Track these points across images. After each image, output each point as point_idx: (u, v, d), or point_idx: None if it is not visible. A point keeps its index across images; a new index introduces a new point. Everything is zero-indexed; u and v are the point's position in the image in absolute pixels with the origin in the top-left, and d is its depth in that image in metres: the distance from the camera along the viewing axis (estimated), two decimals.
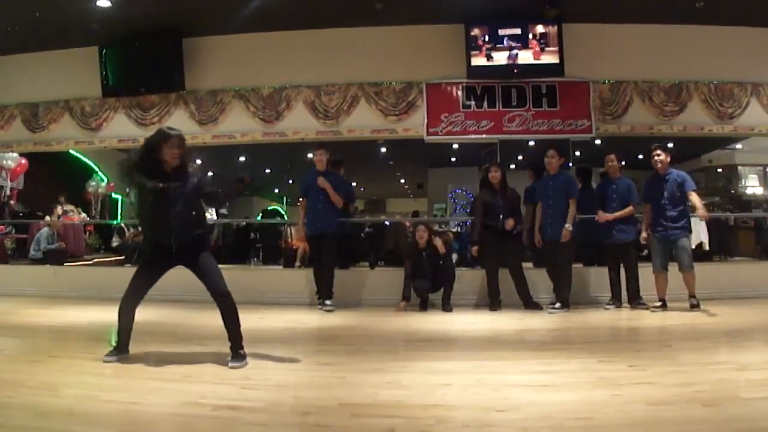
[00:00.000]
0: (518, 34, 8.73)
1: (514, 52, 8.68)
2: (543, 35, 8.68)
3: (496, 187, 7.64)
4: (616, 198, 7.51)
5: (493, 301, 7.52)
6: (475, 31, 8.75)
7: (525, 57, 8.71)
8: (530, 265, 8.50)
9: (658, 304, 7.11)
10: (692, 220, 7.29)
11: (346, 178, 8.63)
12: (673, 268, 7.09)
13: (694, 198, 7.03)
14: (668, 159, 7.17)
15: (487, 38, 8.73)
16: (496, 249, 7.61)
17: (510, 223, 7.43)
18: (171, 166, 4.61)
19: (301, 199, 8.19)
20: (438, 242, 7.50)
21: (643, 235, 7.34)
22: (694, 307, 6.91)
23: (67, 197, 12.92)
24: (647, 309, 7.14)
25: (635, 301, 7.37)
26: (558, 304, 7.23)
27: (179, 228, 4.59)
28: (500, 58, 8.74)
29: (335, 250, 7.82)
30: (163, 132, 4.64)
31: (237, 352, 4.56)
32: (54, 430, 3.09)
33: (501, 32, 8.75)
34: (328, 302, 7.57)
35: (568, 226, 7.24)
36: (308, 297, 8.08)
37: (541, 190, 7.73)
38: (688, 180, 7.11)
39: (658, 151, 7.16)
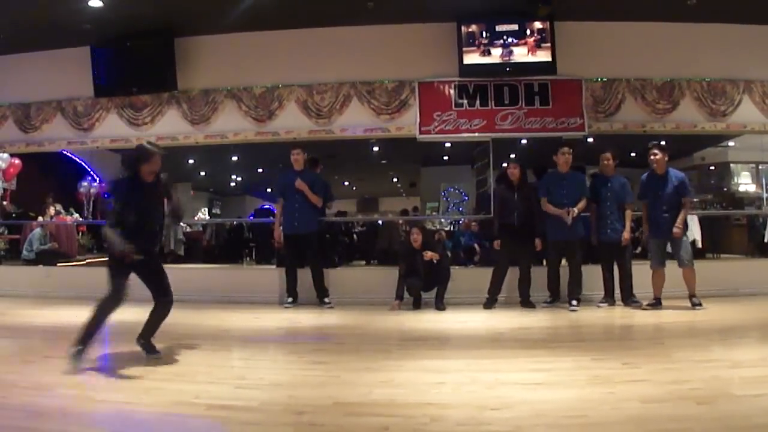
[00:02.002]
0: (515, 30, 8.71)
1: (510, 48, 8.67)
2: (540, 31, 8.66)
3: (514, 183, 7.63)
4: (610, 196, 7.49)
5: (489, 299, 7.53)
6: (473, 27, 8.71)
7: (520, 53, 8.68)
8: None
9: (653, 301, 7.13)
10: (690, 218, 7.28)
11: (338, 177, 8.67)
12: (671, 265, 7.12)
13: (682, 215, 7.01)
14: (666, 158, 7.16)
15: (485, 34, 8.72)
16: (511, 247, 7.59)
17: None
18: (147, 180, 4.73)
19: (278, 200, 8.25)
20: (431, 255, 7.40)
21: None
22: (696, 306, 6.91)
23: (54, 197, 12.83)
24: (640, 307, 7.15)
25: (628, 299, 7.38)
26: (575, 302, 7.28)
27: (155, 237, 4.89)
28: (497, 54, 8.71)
29: (316, 250, 7.94)
30: (145, 149, 4.74)
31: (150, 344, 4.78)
32: (48, 430, 3.08)
33: (498, 28, 8.74)
34: (326, 300, 7.77)
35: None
36: (304, 296, 8.02)
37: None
38: (686, 186, 7.11)
39: (655, 150, 7.12)
